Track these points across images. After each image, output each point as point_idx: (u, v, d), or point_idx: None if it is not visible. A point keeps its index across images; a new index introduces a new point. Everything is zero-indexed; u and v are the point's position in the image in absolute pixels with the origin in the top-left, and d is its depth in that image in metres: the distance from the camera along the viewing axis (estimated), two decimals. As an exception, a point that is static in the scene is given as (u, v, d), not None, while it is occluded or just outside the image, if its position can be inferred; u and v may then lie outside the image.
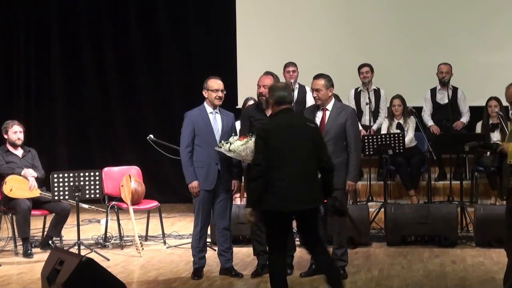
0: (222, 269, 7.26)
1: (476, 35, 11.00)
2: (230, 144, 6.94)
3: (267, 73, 7.31)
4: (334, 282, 5.94)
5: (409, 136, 9.83)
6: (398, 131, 9.68)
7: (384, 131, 9.91)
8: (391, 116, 10.02)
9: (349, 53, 11.18)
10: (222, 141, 7.02)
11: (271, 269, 5.95)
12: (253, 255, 7.50)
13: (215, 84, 7.16)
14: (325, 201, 5.94)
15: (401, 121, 9.94)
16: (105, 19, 12.31)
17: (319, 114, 7.04)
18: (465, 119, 10.30)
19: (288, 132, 5.85)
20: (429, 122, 10.30)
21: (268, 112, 7.15)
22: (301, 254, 7.52)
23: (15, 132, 8.59)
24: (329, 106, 7.02)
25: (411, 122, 9.90)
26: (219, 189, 7.09)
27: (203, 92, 7.17)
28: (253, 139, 6.60)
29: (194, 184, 7.04)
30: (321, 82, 7.00)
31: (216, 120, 7.15)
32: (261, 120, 7.12)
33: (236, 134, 7.20)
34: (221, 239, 7.22)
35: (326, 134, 6.93)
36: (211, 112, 7.15)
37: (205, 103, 7.20)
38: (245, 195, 9.77)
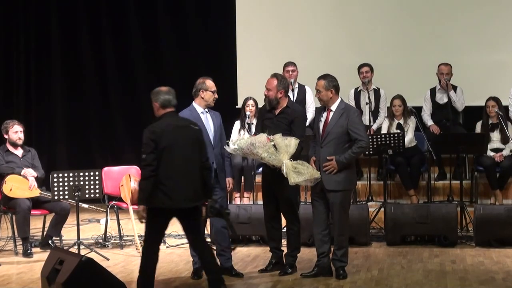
0: (222, 269, 7.24)
1: (476, 35, 11.00)
2: (236, 141, 7.03)
3: (272, 75, 7.30)
4: (214, 280, 6.28)
5: (409, 137, 9.82)
6: (398, 131, 9.68)
7: (384, 131, 9.91)
8: (391, 116, 10.02)
9: (348, 52, 11.17)
10: (232, 140, 7.12)
11: (143, 260, 6.27)
12: (254, 254, 7.66)
13: (213, 84, 7.22)
14: (206, 203, 6.31)
15: (401, 121, 9.94)
16: (105, 20, 12.31)
17: (324, 115, 7.05)
18: (459, 102, 10.25)
19: (175, 133, 6.21)
20: (429, 122, 10.30)
21: (277, 111, 7.21)
22: (302, 255, 7.52)
23: (16, 132, 8.59)
24: (333, 107, 7.02)
25: (411, 122, 9.90)
26: (215, 187, 7.09)
27: (200, 92, 7.16)
28: (263, 135, 6.95)
29: None
30: (321, 83, 7.01)
31: (208, 120, 7.17)
32: (269, 120, 7.24)
33: (226, 133, 7.37)
34: (219, 238, 7.22)
35: (328, 135, 6.94)
36: (202, 112, 7.17)
37: (195, 104, 7.20)
38: (245, 195, 9.80)
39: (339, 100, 7.06)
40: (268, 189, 7.29)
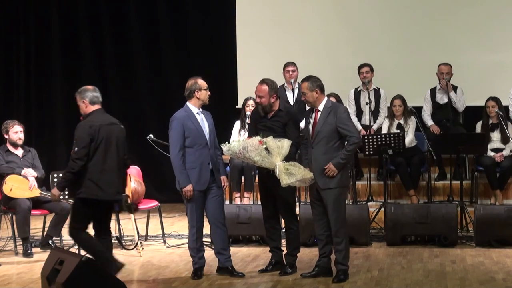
0: (221, 268, 7.24)
1: (476, 35, 11.00)
2: (230, 145, 7.03)
3: (261, 82, 7.26)
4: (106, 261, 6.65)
5: (409, 138, 9.81)
6: (398, 131, 9.66)
7: (384, 131, 9.91)
8: (391, 116, 10.02)
9: (349, 53, 11.17)
10: (225, 143, 7.10)
11: (83, 243, 6.80)
12: (254, 254, 7.71)
13: (205, 83, 7.21)
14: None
15: (402, 122, 9.94)
16: (105, 20, 12.31)
17: (313, 116, 7.04)
18: (459, 102, 10.25)
19: (107, 130, 6.62)
20: (429, 122, 10.30)
21: (270, 115, 7.21)
22: (303, 255, 7.52)
23: (16, 132, 8.60)
24: (320, 107, 6.99)
25: (412, 123, 9.89)
26: (211, 187, 7.13)
27: (195, 93, 7.13)
28: (255, 139, 6.95)
29: (189, 187, 7.02)
30: (305, 85, 7.00)
31: (203, 120, 7.17)
32: (263, 123, 7.24)
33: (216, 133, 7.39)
34: (218, 237, 7.20)
35: (318, 134, 6.92)
36: (197, 113, 7.16)
37: (190, 104, 7.17)
38: (245, 195, 9.80)
39: (325, 99, 7.02)
40: (266, 190, 7.29)
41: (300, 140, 7.23)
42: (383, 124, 10.11)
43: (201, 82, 7.19)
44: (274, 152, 6.88)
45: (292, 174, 6.82)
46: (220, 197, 7.21)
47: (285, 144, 6.90)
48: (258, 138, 6.98)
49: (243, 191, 9.85)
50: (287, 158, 6.89)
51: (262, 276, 7.19)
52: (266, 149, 6.89)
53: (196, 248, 7.16)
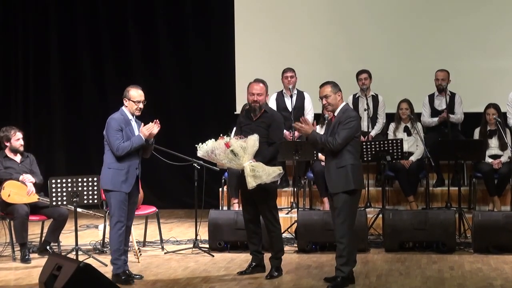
0: (124, 273, 7.19)
1: (475, 42, 11.01)
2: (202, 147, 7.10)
3: (257, 81, 7.35)
4: None
5: (421, 149, 9.78)
6: (398, 137, 9.63)
7: (391, 133, 9.95)
8: (398, 119, 10.01)
9: (347, 59, 11.18)
10: (200, 143, 7.14)
11: None
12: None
13: (138, 95, 7.17)
14: None
15: (409, 125, 9.93)
16: (103, 25, 12.31)
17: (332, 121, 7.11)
18: (457, 116, 10.26)
19: None
20: (434, 119, 10.21)
21: (256, 117, 7.24)
22: (301, 261, 7.51)
23: (18, 139, 8.59)
24: (336, 112, 7.02)
25: (420, 131, 9.87)
26: (133, 191, 7.21)
27: (124, 101, 7.16)
28: (221, 142, 7.00)
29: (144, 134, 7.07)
30: (327, 88, 7.00)
31: (135, 128, 7.20)
32: (248, 126, 7.27)
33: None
34: (126, 239, 7.26)
35: None
36: (131, 119, 7.19)
37: (125, 109, 7.19)
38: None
39: (343, 104, 7.03)
40: (246, 193, 7.29)
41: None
42: (390, 127, 10.09)
43: (132, 93, 7.16)
44: (239, 153, 6.92)
45: (257, 176, 6.89)
46: (135, 203, 7.35)
47: (250, 142, 6.95)
48: (225, 140, 7.02)
49: (240, 198, 9.83)
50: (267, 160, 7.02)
51: (261, 281, 7.18)
52: (233, 151, 6.93)
53: (120, 250, 7.15)
